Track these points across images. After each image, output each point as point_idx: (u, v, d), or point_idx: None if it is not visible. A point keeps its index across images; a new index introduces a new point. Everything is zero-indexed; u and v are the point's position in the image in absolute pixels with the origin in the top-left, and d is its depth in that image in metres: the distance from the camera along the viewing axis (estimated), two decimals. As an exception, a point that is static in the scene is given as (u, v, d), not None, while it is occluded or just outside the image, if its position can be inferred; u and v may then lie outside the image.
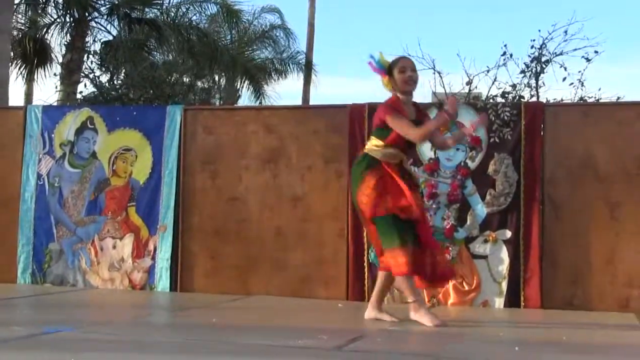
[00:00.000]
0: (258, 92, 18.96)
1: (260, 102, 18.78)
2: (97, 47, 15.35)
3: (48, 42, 15.30)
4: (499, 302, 6.15)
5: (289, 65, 19.98)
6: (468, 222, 6.23)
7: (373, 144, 5.15)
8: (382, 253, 5.10)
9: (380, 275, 5.25)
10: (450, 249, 6.22)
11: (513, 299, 6.12)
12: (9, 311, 5.70)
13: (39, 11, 15.43)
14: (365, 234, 6.35)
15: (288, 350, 4.14)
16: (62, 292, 6.78)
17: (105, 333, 4.57)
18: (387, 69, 5.21)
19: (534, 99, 11.20)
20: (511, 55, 11.60)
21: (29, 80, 16.17)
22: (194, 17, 16.18)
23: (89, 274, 7.07)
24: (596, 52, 11.39)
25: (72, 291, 6.86)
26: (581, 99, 11.44)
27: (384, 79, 5.24)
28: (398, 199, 4.96)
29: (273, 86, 19.87)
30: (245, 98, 19.34)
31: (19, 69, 15.33)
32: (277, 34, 20.16)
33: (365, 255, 6.39)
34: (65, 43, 14.64)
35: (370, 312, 5.24)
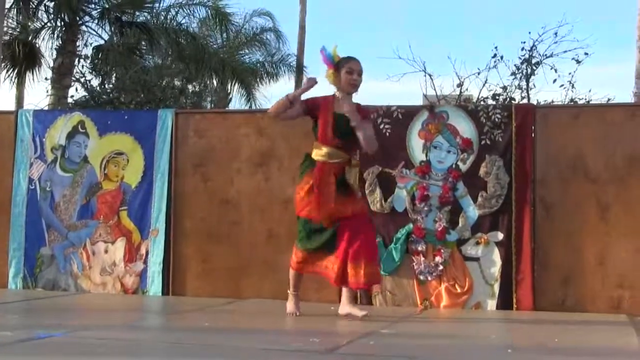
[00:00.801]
0: (249, 95, 18.96)
1: (251, 106, 18.77)
2: (88, 51, 15.33)
3: (38, 46, 15.27)
4: (491, 304, 6.16)
5: (280, 68, 19.98)
6: (460, 225, 6.24)
7: (313, 147, 5.44)
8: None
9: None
10: (442, 251, 6.23)
11: (505, 301, 6.13)
12: (0, 316, 5.68)
13: (30, 15, 15.38)
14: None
15: (280, 353, 4.14)
16: (54, 296, 6.76)
17: (97, 338, 4.55)
18: (335, 63, 5.39)
19: (525, 100, 11.24)
20: (502, 57, 11.63)
21: (19, 85, 16.11)
22: (184, 21, 16.17)
23: (80, 278, 7.04)
24: (586, 53, 11.45)
25: (64, 296, 6.84)
26: (572, 100, 11.48)
27: (329, 71, 5.43)
28: (312, 208, 5.35)
29: (264, 89, 19.86)
30: (236, 101, 19.33)
31: (9, 72, 15.27)
32: (268, 37, 20.17)
33: (358, 258, 6.37)
34: (56, 47, 14.62)
35: (341, 308, 5.50)
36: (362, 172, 6.38)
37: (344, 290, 5.44)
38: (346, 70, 5.35)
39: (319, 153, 5.37)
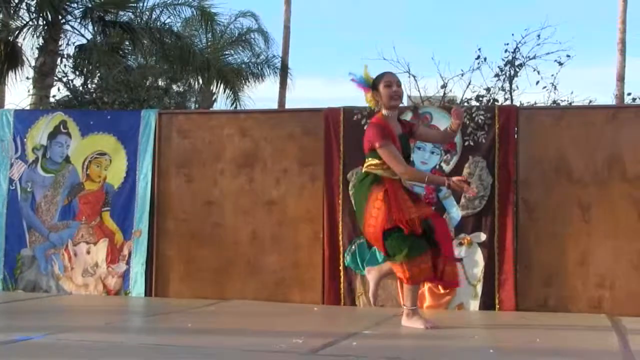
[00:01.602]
0: (234, 96, 18.91)
1: (236, 106, 18.74)
2: (70, 50, 15.24)
3: (20, 45, 15.15)
4: (474, 305, 6.18)
5: (265, 68, 19.95)
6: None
7: (372, 163, 5.13)
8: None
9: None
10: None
11: (488, 302, 6.15)
12: (-20, 318, 5.64)
13: (11, 14, 15.26)
14: (340, 237, 6.37)
15: (263, 354, 4.14)
16: (35, 298, 6.72)
17: (77, 340, 4.53)
18: (370, 84, 5.20)
19: (508, 102, 11.30)
20: (485, 59, 11.70)
21: (0, 84, 15.98)
22: (168, 20, 16.11)
23: (62, 279, 7.00)
24: (568, 56, 11.55)
25: (45, 297, 6.80)
26: (554, 102, 11.56)
27: (367, 95, 5.23)
28: (403, 212, 4.97)
29: (249, 90, 19.82)
30: (222, 102, 19.29)
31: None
32: (253, 38, 20.13)
33: (341, 259, 6.39)
34: (38, 46, 14.51)
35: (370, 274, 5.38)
36: (345, 173, 6.39)
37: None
38: (384, 85, 5.13)
39: (388, 172, 5.07)
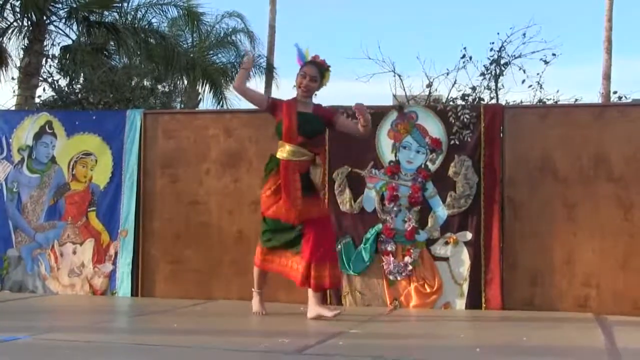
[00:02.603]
0: (219, 96, 18.87)
1: (222, 106, 18.69)
2: (55, 51, 15.15)
3: (5, 45, 15.06)
4: (460, 304, 6.19)
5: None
6: (429, 224, 6.27)
7: (278, 146, 5.50)
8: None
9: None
10: (411, 251, 6.25)
11: (474, 301, 6.17)
12: (-35, 319, 5.60)
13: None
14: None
15: (249, 354, 4.13)
16: (21, 298, 6.68)
17: (63, 340, 4.51)
18: (304, 62, 5.54)
19: (494, 101, 11.31)
20: (470, 58, 11.70)
21: (-15, 85, 15.88)
22: (154, 20, 16.04)
23: (48, 280, 6.98)
24: (554, 54, 11.56)
25: (31, 297, 6.77)
26: (540, 101, 11.58)
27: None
28: (278, 207, 5.42)
29: (234, 90, 19.78)
30: (207, 102, 19.24)
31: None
32: (239, 38, 20.09)
33: (327, 258, 6.37)
34: (23, 47, 14.43)
35: (310, 311, 5.48)
36: (331, 173, 6.39)
37: (311, 292, 5.43)
38: (300, 74, 5.50)
39: (283, 151, 5.43)
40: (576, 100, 11.50)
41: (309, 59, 5.54)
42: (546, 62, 11.60)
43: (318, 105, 5.63)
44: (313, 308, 5.42)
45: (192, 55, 16.99)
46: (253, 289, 5.73)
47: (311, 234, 5.34)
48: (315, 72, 5.50)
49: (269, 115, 5.65)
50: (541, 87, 11.76)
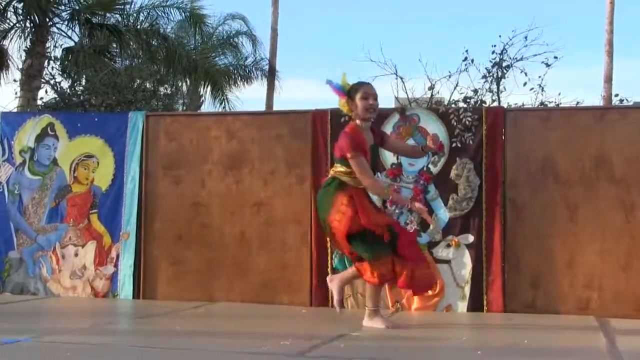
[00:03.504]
0: (222, 98, 18.89)
1: (224, 108, 18.71)
2: (58, 52, 15.18)
3: (7, 47, 15.09)
4: (462, 307, 6.18)
5: (252, 71, 19.93)
6: (431, 227, 6.26)
7: (340, 170, 5.19)
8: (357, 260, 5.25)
9: (353, 269, 5.36)
10: (413, 253, 6.24)
11: (476, 303, 6.16)
12: (-33, 321, 5.61)
13: (-2, 16, 15.22)
14: (328, 239, 6.35)
15: (251, 356, 4.13)
16: (23, 300, 6.69)
17: (64, 342, 4.51)
18: (346, 91, 5.25)
19: (496, 103, 11.32)
20: (472, 61, 11.72)
21: (-13, 87, 15.91)
22: (157, 22, 16.06)
23: (50, 282, 6.98)
24: (555, 57, 11.59)
25: (33, 300, 6.77)
26: (541, 103, 11.60)
27: (342, 100, 5.29)
28: (370, 215, 5.07)
29: (237, 92, 19.81)
30: (210, 104, 19.26)
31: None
32: (242, 41, 20.13)
33: (329, 260, 6.38)
34: (26, 49, 14.46)
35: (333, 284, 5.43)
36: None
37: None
38: (361, 97, 5.19)
39: (355, 181, 5.13)
40: (578, 102, 11.53)
41: (348, 86, 5.26)
42: (548, 65, 11.64)
43: (373, 128, 5.38)
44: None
45: (194, 57, 17.01)
46: (370, 307, 5.27)
47: (404, 238, 5.20)
48: (375, 90, 5.27)
49: (268, 117, 5.56)
50: (543, 90, 11.79)
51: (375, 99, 5.24)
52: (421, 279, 5.13)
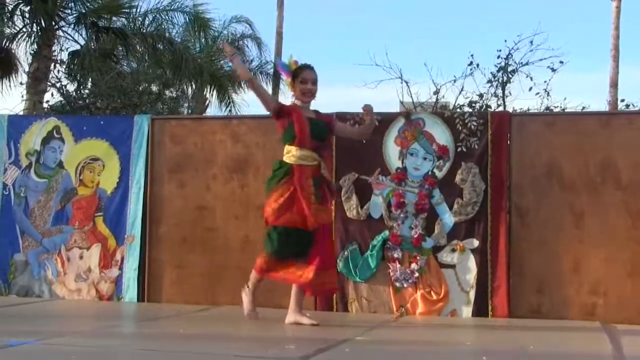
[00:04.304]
0: (227, 101, 18.91)
1: (230, 111, 18.72)
2: (64, 56, 15.22)
3: (14, 51, 15.15)
4: (467, 312, 6.18)
5: (257, 74, 19.95)
6: (436, 232, 6.26)
7: (285, 152, 5.45)
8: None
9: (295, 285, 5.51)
10: (418, 258, 6.24)
11: (481, 308, 6.15)
12: (-28, 323, 5.62)
13: (5, 20, 15.26)
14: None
15: (256, 360, 4.13)
16: (28, 303, 6.70)
17: (70, 344, 4.51)
18: (292, 71, 5.52)
19: (501, 108, 11.32)
20: (478, 65, 11.72)
21: (-7, 90, 15.95)
22: (162, 26, 16.09)
23: (55, 284, 6.99)
24: (561, 62, 11.58)
25: (38, 302, 6.78)
26: (547, 108, 11.59)
27: (287, 79, 5.60)
28: (294, 213, 5.30)
29: (243, 95, 19.83)
30: (215, 107, 19.28)
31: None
32: (247, 44, 20.15)
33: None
34: (32, 52, 14.50)
35: (289, 317, 5.49)
36: (338, 179, 6.39)
37: (295, 298, 5.45)
38: (300, 80, 5.47)
39: (295, 155, 5.37)
40: (583, 108, 11.51)
41: (294, 66, 5.53)
42: (553, 70, 11.64)
43: (317, 111, 5.62)
44: (292, 314, 5.45)
45: (199, 60, 17.03)
46: (247, 289, 5.63)
47: (321, 241, 5.34)
48: (315, 74, 5.51)
49: (273, 120, 5.62)
50: (548, 95, 11.78)
51: (314, 83, 5.48)
52: (322, 285, 5.38)
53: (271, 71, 19.77)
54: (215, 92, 18.60)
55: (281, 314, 5.73)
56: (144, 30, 15.45)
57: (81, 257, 6.98)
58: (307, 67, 5.51)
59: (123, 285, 6.85)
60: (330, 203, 5.70)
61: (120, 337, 5.16)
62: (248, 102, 19.46)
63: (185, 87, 18.00)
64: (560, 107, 11.76)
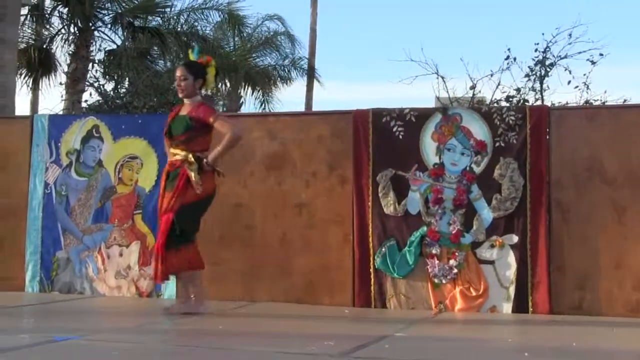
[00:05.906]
0: (263, 99, 18.99)
1: (264, 109, 18.80)
2: (101, 56, 15.42)
3: (53, 52, 15.37)
4: (507, 308, 6.12)
5: (292, 71, 20.00)
6: (474, 227, 6.21)
7: None
8: None
9: None
10: (456, 254, 6.20)
11: (521, 305, 6.09)
12: (17, 319, 5.72)
13: (44, 22, 15.50)
14: (370, 240, 6.35)
15: (294, 356, 4.14)
16: (70, 299, 6.79)
17: (113, 341, 4.57)
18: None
19: (539, 102, 11.18)
20: (515, 59, 11.58)
21: (34, 90, 16.22)
22: (196, 24, 16.21)
23: (96, 281, 7.07)
24: (601, 54, 11.38)
25: (80, 299, 6.87)
26: (587, 102, 11.41)
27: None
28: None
29: (277, 92, 19.89)
30: (249, 104, 19.36)
31: (24, 78, 15.39)
32: (280, 41, 20.19)
33: (371, 261, 6.36)
34: (70, 52, 14.70)
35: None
36: (375, 175, 6.37)
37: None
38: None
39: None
40: (625, 100, 11.31)
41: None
42: (593, 63, 11.44)
43: (199, 106, 5.83)
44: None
45: (234, 58, 17.12)
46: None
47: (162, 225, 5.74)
48: (181, 71, 5.86)
49: (309, 117, 5.65)
50: (588, 88, 11.59)
51: (181, 79, 5.81)
52: (154, 272, 5.79)
53: (306, 67, 19.81)
54: (249, 89, 18.68)
55: (320, 311, 5.75)
56: (178, 29, 15.58)
57: (121, 255, 7.05)
58: (180, 65, 6.07)
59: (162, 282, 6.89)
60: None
61: (161, 333, 5.20)
62: (282, 101, 19.50)
63: (219, 84, 18.10)
64: (601, 100, 11.57)
